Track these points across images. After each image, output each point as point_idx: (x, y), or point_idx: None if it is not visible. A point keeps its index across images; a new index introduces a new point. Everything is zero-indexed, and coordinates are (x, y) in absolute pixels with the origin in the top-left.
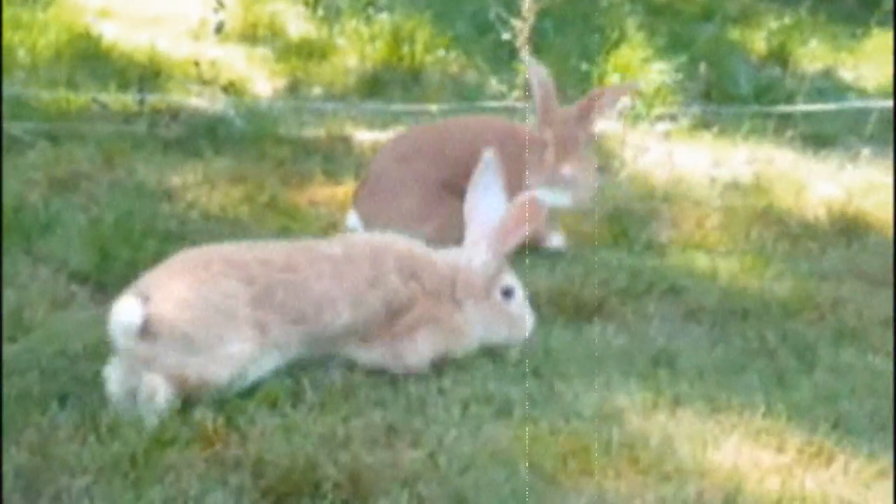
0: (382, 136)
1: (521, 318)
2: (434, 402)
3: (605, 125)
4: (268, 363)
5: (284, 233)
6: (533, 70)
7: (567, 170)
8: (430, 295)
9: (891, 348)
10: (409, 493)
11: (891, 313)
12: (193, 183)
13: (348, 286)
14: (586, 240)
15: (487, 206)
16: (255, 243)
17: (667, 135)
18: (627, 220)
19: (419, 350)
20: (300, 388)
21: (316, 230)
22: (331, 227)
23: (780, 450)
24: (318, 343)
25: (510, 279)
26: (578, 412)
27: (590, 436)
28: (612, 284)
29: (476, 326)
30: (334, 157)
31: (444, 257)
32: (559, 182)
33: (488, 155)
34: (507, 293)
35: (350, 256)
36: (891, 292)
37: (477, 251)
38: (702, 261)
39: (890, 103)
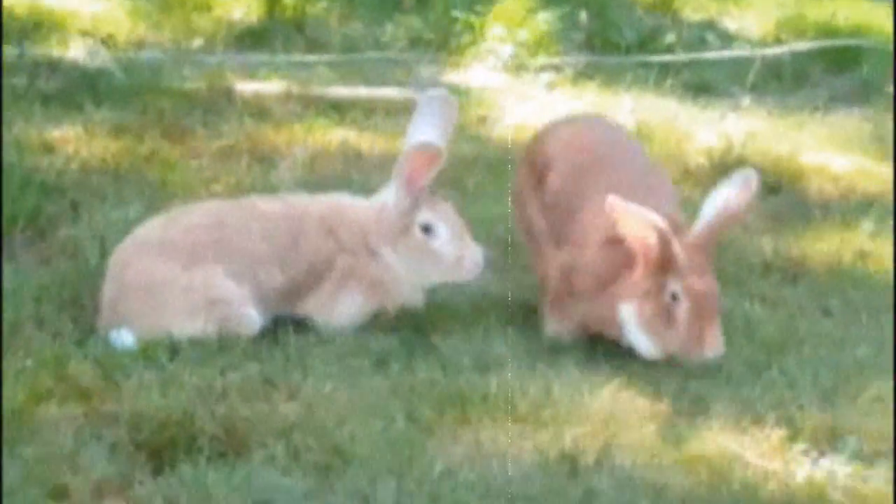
0: (264, 87)
1: (451, 254)
2: (312, 355)
3: (487, 77)
4: None
5: (163, 186)
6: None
7: (711, 333)
8: (347, 251)
9: (768, 293)
10: (286, 444)
11: (770, 259)
12: (73, 136)
13: (276, 245)
14: (466, 191)
15: None
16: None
17: (550, 85)
18: (509, 169)
19: (344, 310)
20: (177, 341)
21: (196, 183)
22: (211, 180)
23: (657, 397)
24: (263, 302)
25: (429, 215)
26: (456, 363)
27: (467, 386)
28: (491, 235)
29: (400, 271)
30: (216, 109)
31: (364, 207)
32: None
33: (436, 91)
34: (427, 229)
35: (278, 216)
36: (769, 239)
37: (390, 192)
38: None
39: (771, 51)
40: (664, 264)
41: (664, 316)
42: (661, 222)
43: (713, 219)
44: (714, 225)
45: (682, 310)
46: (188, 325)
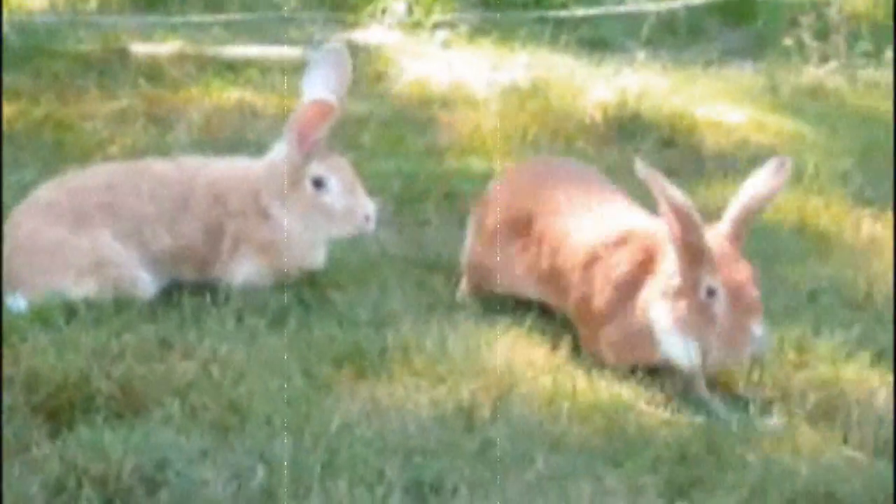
0: (159, 49)
1: (343, 208)
2: (208, 315)
3: (383, 35)
4: None
5: (59, 148)
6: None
7: (756, 326)
8: (237, 216)
9: None
10: (182, 403)
11: None
12: None
13: (164, 208)
14: (362, 148)
15: None
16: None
17: (446, 43)
18: (405, 126)
19: (244, 273)
20: (73, 304)
21: (91, 145)
22: (107, 142)
23: (554, 348)
24: (156, 266)
25: (321, 168)
26: (353, 319)
27: (364, 341)
28: (387, 191)
29: (293, 229)
30: (110, 71)
31: (256, 168)
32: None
33: (330, 46)
34: (318, 183)
35: (169, 179)
36: None
37: (281, 147)
38: (478, 165)
39: (666, 6)
40: (694, 256)
41: (701, 315)
42: (691, 206)
43: (744, 205)
44: (745, 212)
45: (722, 305)
46: (78, 288)
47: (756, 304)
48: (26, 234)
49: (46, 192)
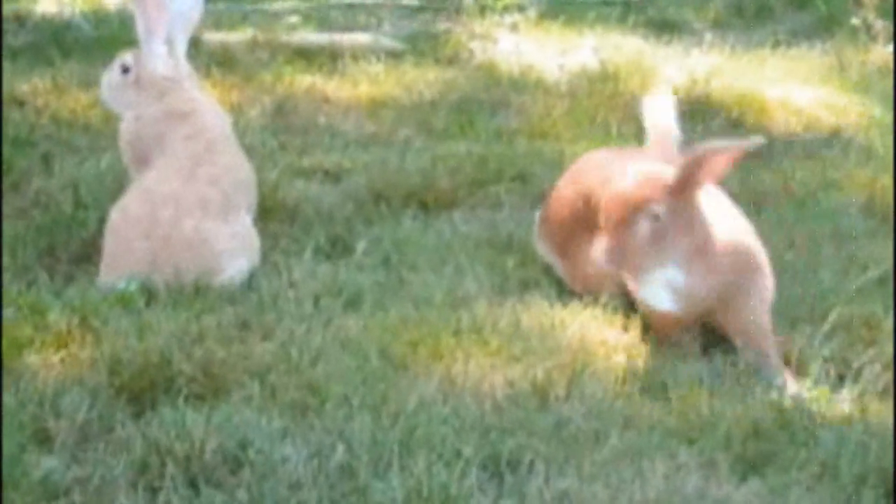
0: (230, 37)
1: None
2: (285, 297)
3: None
4: None
5: None
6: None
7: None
8: None
9: None
10: (262, 383)
11: (735, 191)
12: (43, 90)
13: None
14: (433, 131)
15: None
16: None
17: (514, 26)
18: (475, 109)
19: None
20: (153, 287)
21: None
22: None
23: (626, 328)
24: None
25: None
26: (428, 300)
27: (439, 322)
28: (459, 174)
29: None
30: None
31: None
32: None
33: None
34: None
35: None
36: (734, 172)
37: None
38: (549, 148)
39: None
40: None
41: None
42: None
43: None
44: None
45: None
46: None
47: None
48: (184, 228)
49: (177, 186)
